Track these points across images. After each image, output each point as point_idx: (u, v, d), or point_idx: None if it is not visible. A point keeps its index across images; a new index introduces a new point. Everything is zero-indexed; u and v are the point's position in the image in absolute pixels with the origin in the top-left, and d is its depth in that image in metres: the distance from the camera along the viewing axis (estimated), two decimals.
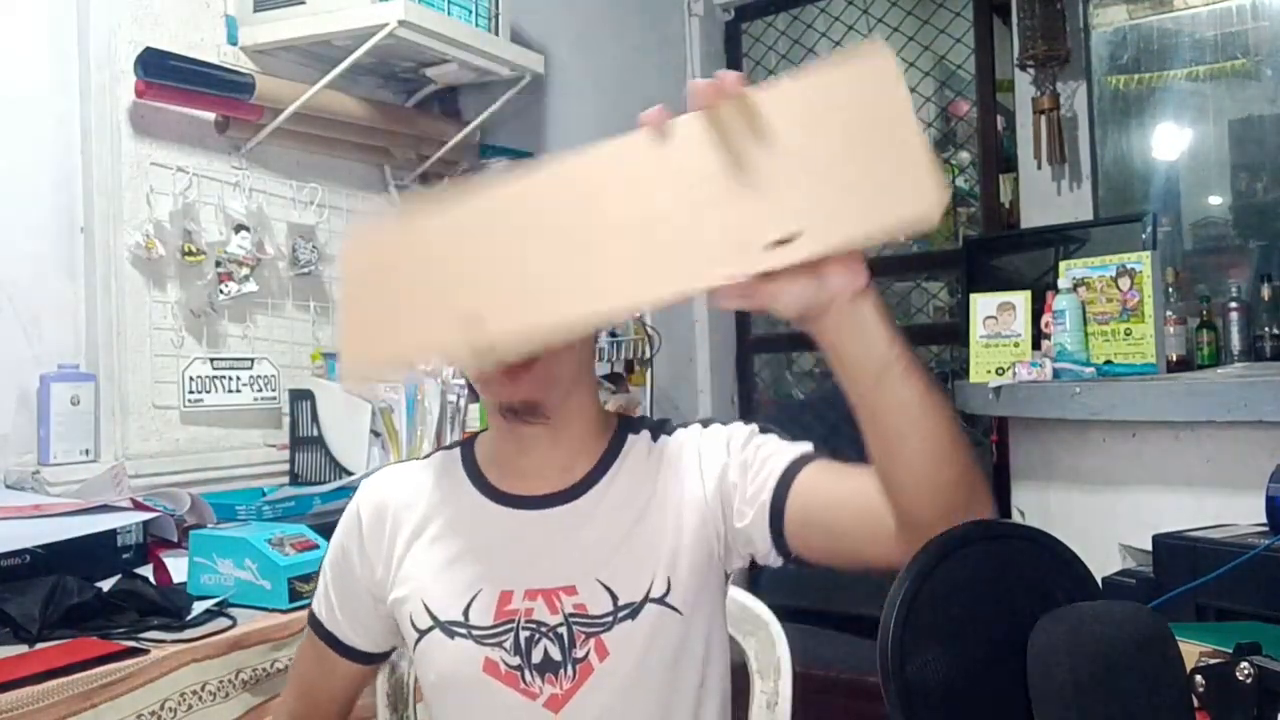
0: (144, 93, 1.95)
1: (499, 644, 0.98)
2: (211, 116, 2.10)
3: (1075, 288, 2.37)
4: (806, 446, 0.99)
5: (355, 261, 0.80)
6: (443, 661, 1.00)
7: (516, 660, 0.97)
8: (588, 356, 1.06)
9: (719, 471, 1.00)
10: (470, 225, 0.75)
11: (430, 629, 1.00)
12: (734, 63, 3.87)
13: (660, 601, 0.98)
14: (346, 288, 0.81)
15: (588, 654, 0.97)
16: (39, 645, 1.29)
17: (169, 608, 1.41)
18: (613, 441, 1.05)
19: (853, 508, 0.88)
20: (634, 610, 0.98)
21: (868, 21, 3.69)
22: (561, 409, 1.00)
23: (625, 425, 1.07)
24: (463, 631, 0.99)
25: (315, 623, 1.11)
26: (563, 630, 0.97)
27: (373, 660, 1.12)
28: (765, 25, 3.86)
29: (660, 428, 1.07)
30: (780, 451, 0.98)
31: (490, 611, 0.98)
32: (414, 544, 1.03)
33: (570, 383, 1.01)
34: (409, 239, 0.77)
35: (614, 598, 0.98)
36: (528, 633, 0.97)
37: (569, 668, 0.97)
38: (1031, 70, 3.05)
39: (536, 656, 0.97)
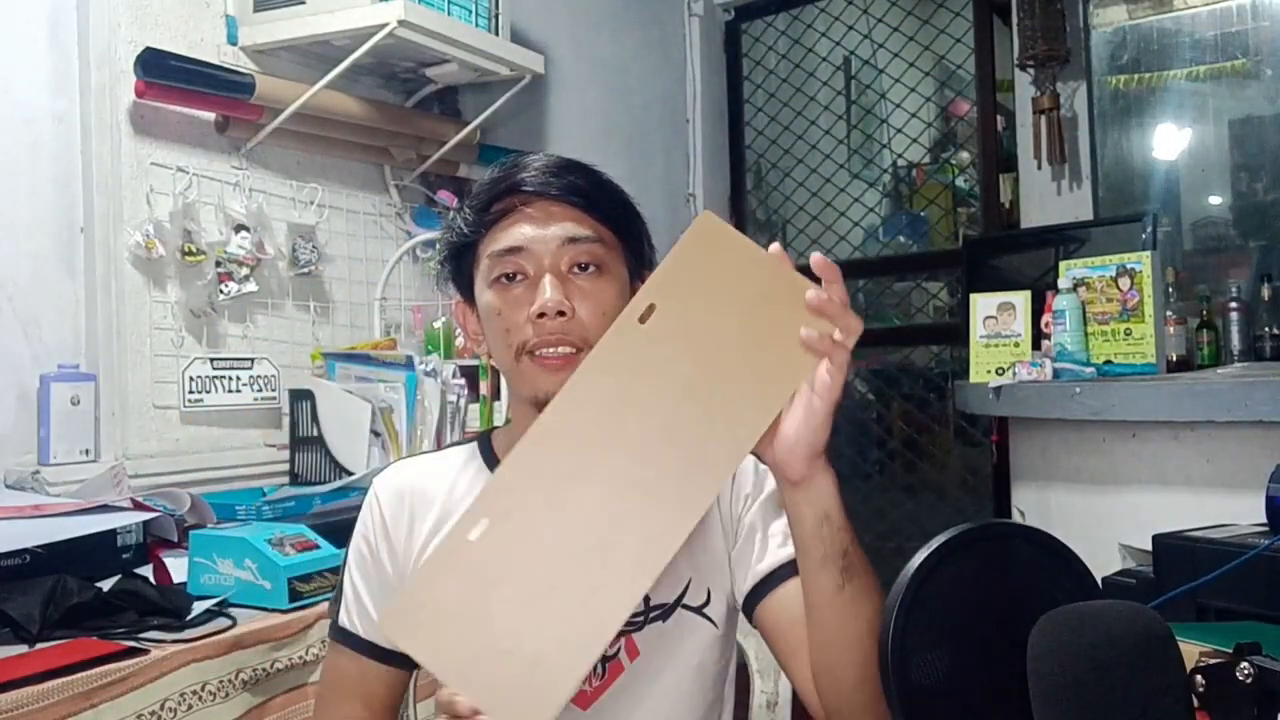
0: (144, 93, 1.95)
1: None
2: (211, 116, 2.10)
3: (1075, 288, 2.37)
4: None
5: (422, 645, 0.70)
6: None
7: None
8: None
9: (755, 504, 0.99)
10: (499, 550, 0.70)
11: None
12: (734, 63, 3.88)
13: (697, 610, 0.98)
14: (436, 665, 0.71)
15: (618, 652, 0.97)
16: (39, 645, 1.29)
17: (169, 608, 1.41)
18: None
19: (805, 648, 0.89)
20: (665, 612, 0.97)
21: (868, 21, 3.69)
22: None
23: None
24: None
25: (349, 637, 1.04)
26: None
27: (410, 663, 1.05)
28: (765, 25, 3.86)
29: None
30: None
31: None
32: (435, 538, 1.01)
33: None
34: (458, 583, 0.70)
35: (646, 598, 0.97)
36: None
37: (599, 665, 0.96)
38: (1031, 70, 3.05)
39: None
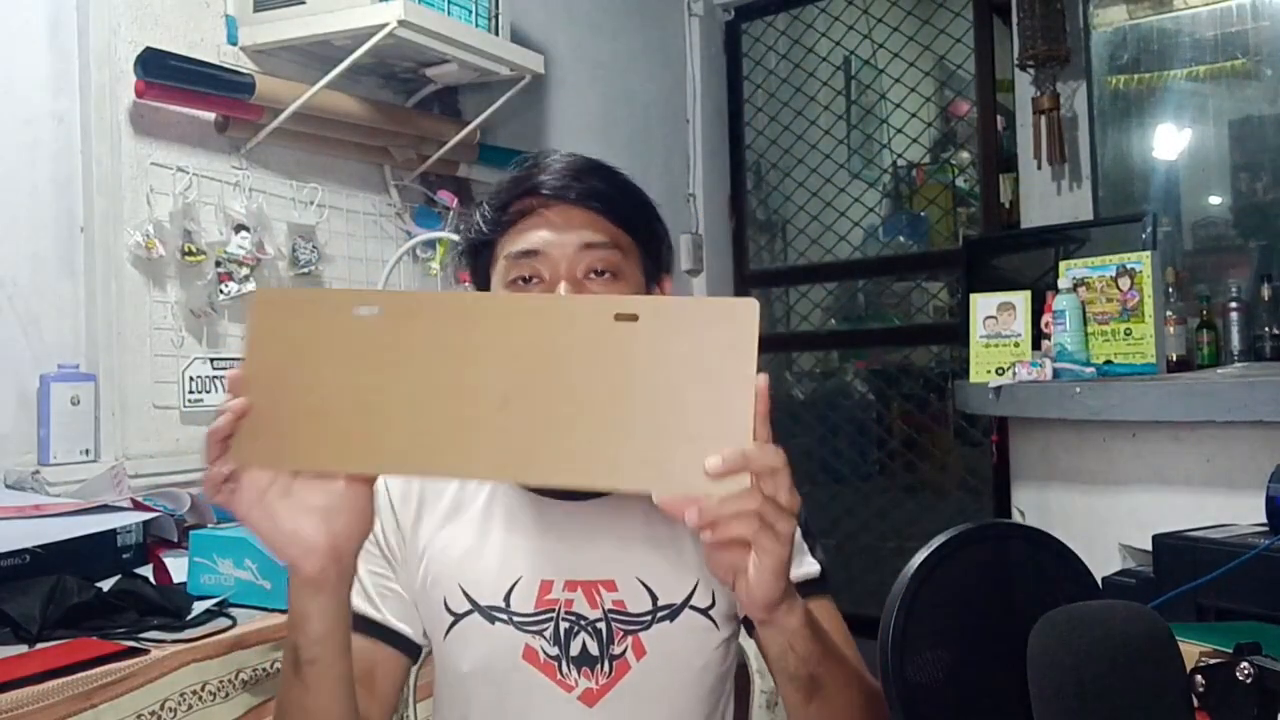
0: (144, 93, 1.95)
1: (539, 632, 0.98)
2: (211, 116, 2.10)
3: (1075, 288, 2.37)
4: (815, 568, 1.00)
5: (264, 324, 0.76)
6: (481, 647, 0.99)
7: (555, 650, 0.97)
8: None
9: None
10: (399, 336, 0.72)
11: (468, 613, 0.99)
12: (734, 63, 3.88)
13: (703, 612, 0.99)
14: (252, 350, 0.76)
15: (625, 651, 0.97)
16: (39, 645, 1.29)
17: (169, 608, 1.41)
18: None
19: None
20: (673, 613, 0.98)
21: (868, 21, 3.69)
22: None
23: None
24: (504, 617, 0.98)
25: (354, 616, 1.04)
26: (601, 625, 0.97)
27: (415, 651, 1.06)
28: (765, 25, 3.86)
29: None
30: (798, 564, 0.98)
31: (531, 599, 0.98)
32: (444, 528, 1.02)
33: None
34: (329, 324, 0.73)
35: (654, 598, 0.98)
36: (567, 624, 0.97)
37: (605, 664, 0.97)
38: (1031, 70, 3.06)
39: (575, 649, 0.97)
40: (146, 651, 1.30)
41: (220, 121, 2.11)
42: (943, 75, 3.75)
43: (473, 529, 1.01)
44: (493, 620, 0.98)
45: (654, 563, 0.98)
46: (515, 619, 0.98)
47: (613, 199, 1.00)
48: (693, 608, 0.98)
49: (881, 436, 3.81)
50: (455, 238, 2.32)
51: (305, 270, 2.23)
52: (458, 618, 1.00)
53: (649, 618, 0.97)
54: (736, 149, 3.87)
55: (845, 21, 3.72)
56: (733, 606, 1.01)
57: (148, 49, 1.94)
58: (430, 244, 2.45)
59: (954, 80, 3.70)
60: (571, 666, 0.97)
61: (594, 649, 0.97)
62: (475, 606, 0.99)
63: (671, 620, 0.97)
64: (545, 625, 0.97)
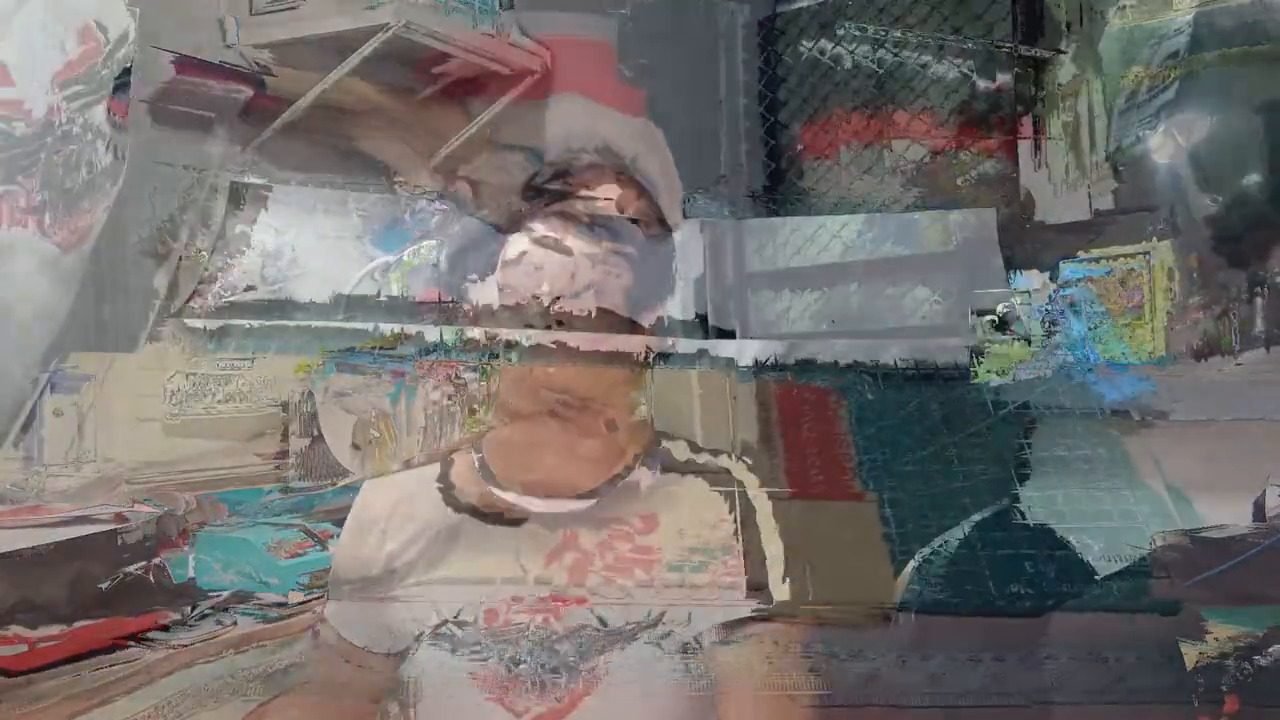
0: (181, 71, 1.93)
1: (490, 655, 1.00)
2: (214, 114, 2.09)
3: (1079, 284, 2.37)
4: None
5: None
6: (432, 669, 1.01)
7: (505, 673, 0.99)
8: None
9: None
10: None
11: (420, 635, 1.03)
12: (767, 44, 3.83)
13: (657, 642, 1.00)
14: None
15: (580, 677, 0.97)
16: (76, 624, 1.31)
17: (188, 590, 1.42)
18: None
19: None
20: (629, 637, 0.97)
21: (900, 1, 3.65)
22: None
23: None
24: (457, 636, 1.01)
25: (329, 626, 1.12)
26: (559, 647, 0.99)
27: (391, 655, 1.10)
28: (798, 11, 3.81)
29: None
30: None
31: (485, 621, 1.01)
32: (406, 552, 1.07)
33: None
34: None
35: (604, 623, 1.00)
36: (521, 646, 0.99)
37: (560, 688, 0.98)
38: (1062, 52, 3.03)
39: (528, 673, 0.97)
40: (165, 633, 1.33)
41: (224, 120, 2.10)
42: (977, 57, 3.72)
43: (431, 553, 1.03)
44: (443, 641, 1.01)
45: (610, 590, 0.97)
46: (465, 640, 0.99)
47: None
48: (649, 635, 0.98)
49: (889, 433, 3.78)
50: (432, 248, 2.31)
51: (304, 271, 2.21)
52: (414, 637, 1.03)
53: (604, 644, 0.98)
54: (770, 132, 3.83)
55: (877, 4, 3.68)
56: (691, 636, 0.99)
57: (158, 49, 1.94)
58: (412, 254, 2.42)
59: (985, 66, 3.67)
60: (526, 692, 0.97)
61: (547, 673, 0.97)
62: (426, 629, 1.03)
63: (626, 646, 0.95)
64: (498, 647, 0.99)
